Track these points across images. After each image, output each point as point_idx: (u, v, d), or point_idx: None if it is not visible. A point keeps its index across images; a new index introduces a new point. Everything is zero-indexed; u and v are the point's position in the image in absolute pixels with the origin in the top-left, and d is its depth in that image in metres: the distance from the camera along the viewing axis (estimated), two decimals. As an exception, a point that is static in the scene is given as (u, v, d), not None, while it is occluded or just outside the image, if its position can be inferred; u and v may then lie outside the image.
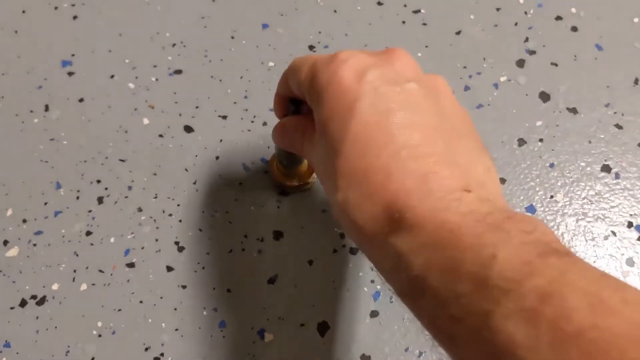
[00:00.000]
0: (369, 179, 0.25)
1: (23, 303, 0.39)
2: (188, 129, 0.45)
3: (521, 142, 0.45)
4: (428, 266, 0.22)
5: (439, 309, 0.22)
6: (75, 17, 0.51)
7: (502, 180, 0.44)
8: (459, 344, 0.22)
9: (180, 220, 0.42)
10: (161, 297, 0.39)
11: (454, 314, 0.21)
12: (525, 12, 0.51)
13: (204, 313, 0.39)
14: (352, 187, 0.26)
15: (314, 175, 0.42)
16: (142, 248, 0.41)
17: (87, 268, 0.40)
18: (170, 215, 0.42)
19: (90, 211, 0.42)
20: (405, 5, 0.51)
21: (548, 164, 0.44)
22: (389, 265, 0.25)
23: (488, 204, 0.24)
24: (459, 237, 0.22)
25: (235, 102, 0.46)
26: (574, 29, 0.51)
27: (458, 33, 0.50)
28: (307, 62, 0.30)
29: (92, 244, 0.41)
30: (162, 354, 0.38)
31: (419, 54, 0.49)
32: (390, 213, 0.24)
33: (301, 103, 0.34)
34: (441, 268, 0.22)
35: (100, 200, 0.42)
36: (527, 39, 0.50)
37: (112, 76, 0.48)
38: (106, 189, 0.43)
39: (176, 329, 0.38)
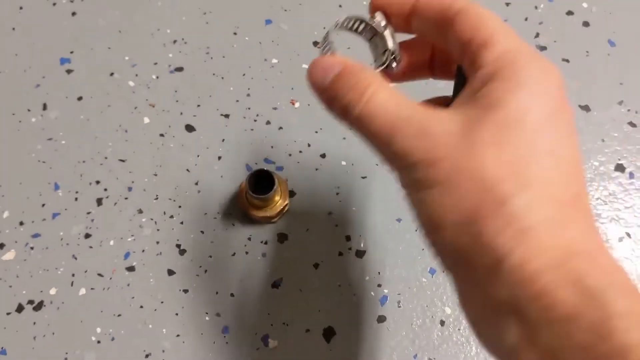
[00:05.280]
0: (578, 209, 0.22)
1: (20, 308, 0.38)
2: (189, 128, 0.44)
3: (532, 140, 0.44)
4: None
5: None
6: (74, 14, 0.49)
7: (513, 181, 0.42)
8: None
9: (181, 222, 0.41)
10: (162, 302, 0.38)
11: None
12: (536, 7, 0.50)
13: (207, 318, 0.38)
14: (552, 203, 0.21)
15: (284, 209, 0.40)
16: (143, 251, 0.40)
17: (85, 272, 0.39)
18: (172, 217, 0.41)
19: (89, 213, 0.41)
20: (412, 0, 0.50)
21: (560, 164, 0.43)
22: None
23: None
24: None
25: (237, 100, 0.45)
26: (586, 24, 0.49)
27: (467, 29, 0.49)
28: (508, 35, 0.24)
29: (91, 247, 0.40)
30: (163, 361, 0.37)
31: (427, 51, 0.47)
32: (599, 261, 0.20)
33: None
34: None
35: (99, 201, 0.41)
36: (537, 35, 0.49)
37: (112, 74, 0.46)
38: (105, 190, 0.42)
39: (177, 335, 0.37)
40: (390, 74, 0.30)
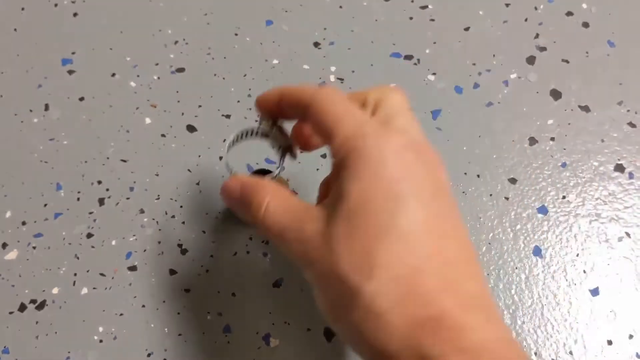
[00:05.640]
0: (419, 280, 0.23)
1: (22, 307, 0.38)
2: (191, 129, 0.44)
3: (532, 141, 0.44)
4: None
5: None
6: (75, 14, 0.50)
7: (513, 181, 0.43)
8: None
9: (183, 222, 0.41)
10: (164, 301, 0.38)
11: None
12: (536, 8, 0.50)
13: (208, 317, 0.38)
14: (395, 282, 0.23)
15: None
16: (144, 251, 0.40)
17: (87, 271, 0.39)
18: (173, 216, 0.41)
19: (91, 213, 0.41)
20: (412, 1, 0.50)
21: (560, 164, 0.43)
22: None
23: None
24: None
25: (238, 101, 0.45)
26: (585, 24, 0.50)
27: (467, 29, 0.49)
28: (348, 118, 0.27)
29: (93, 247, 0.40)
30: (165, 360, 0.37)
31: (427, 51, 0.48)
32: (439, 325, 0.22)
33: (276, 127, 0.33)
34: None
35: (101, 201, 0.41)
36: (537, 35, 0.49)
37: (113, 74, 0.47)
38: (107, 190, 0.42)
39: (179, 334, 0.37)
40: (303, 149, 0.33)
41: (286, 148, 0.33)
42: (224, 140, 0.34)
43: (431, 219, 0.24)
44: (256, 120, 0.34)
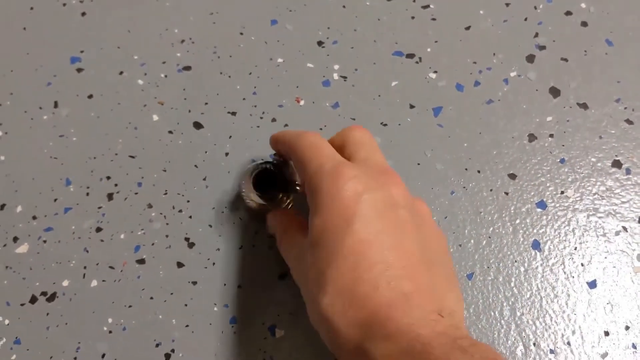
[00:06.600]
0: (358, 288, 0.28)
1: (33, 299, 0.39)
2: (197, 125, 0.45)
3: (532, 137, 0.45)
4: None
5: None
6: (83, 14, 0.50)
7: (513, 176, 0.43)
8: None
9: (190, 217, 0.42)
10: (172, 294, 0.39)
11: None
12: (535, 7, 0.51)
13: (215, 309, 0.39)
14: (340, 294, 0.28)
15: (289, 204, 0.41)
16: (153, 244, 0.41)
17: (97, 264, 0.40)
18: (180, 211, 0.42)
19: (100, 207, 0.42)
20: (414, 1, 0.51)
21: (559, 160, 0.44)
22: None
23: (457, 330, 0.27)
24: (430, 352, 0.25)
25: (244, 98, 0.46)
26: (584, 24, 0.50)
27: (468, 28, 0.50)
28: (313, 160, 0.33)
29: (102, 240, 0.41)
30: (172, 350, 0.38)
31: (429, 50, 0.49)
32: (372, 321, 0.27)
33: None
34: None
35: (110, 196, 0.42)
36: (537, 34, 0.50)
37: (121, 73, 0.47)
38: (116, 185, 0.43)
39: (187, 325, 0.38)
40: None
41: (293, 181, 0.39)
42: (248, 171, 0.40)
43: (375, 235, 0.29)
44: (270, 156, 0.42)
